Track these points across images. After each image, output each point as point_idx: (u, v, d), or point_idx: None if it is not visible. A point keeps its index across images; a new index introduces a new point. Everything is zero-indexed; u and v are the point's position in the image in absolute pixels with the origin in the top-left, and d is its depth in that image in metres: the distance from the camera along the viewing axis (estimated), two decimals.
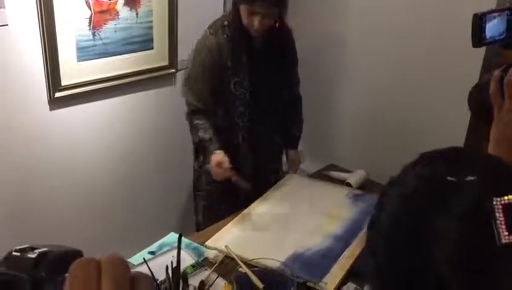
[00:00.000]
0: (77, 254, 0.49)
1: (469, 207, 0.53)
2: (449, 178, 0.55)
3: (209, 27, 2.02)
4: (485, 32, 0.88)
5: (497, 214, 0.51)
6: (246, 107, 2.07)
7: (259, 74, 2.06)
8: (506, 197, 0.52)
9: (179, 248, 1.43)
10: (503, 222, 0.51)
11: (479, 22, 0.88)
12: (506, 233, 0.51)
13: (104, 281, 0.39)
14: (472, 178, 0.54)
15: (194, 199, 2.32)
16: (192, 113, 2.05)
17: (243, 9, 1.89)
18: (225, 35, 1.98)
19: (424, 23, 2.39)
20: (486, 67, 2.20)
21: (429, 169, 0.59)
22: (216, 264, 1.62)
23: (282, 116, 2.24)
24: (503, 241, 0.51)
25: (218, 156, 1.91)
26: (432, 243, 0.54)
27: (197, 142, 2.06)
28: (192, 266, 1.63)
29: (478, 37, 0.89)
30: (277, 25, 2.01)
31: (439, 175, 0.57)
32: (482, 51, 2.13)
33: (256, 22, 1.88)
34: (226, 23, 1.99)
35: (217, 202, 2.18)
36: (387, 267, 0.59)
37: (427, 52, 2.41)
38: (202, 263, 1.64)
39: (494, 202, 0.52)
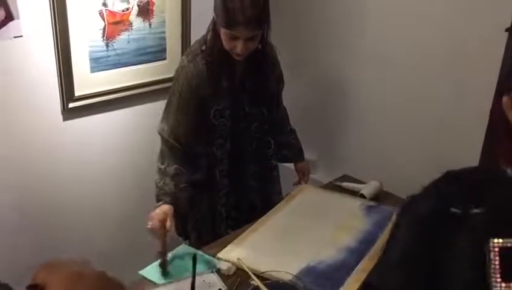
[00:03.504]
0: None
1: (469, 246, 0.47)
2: (453, 210, 0.49)
3: (187, 54, 1.90)
4: None
5: (493, 258, 0.45)
6: (225, 138, 1.94)
7: (242, 100, 1.94)
8: (506, 240, 0.45)
9: (193, 271, 1.37)
10: (497, 267, 0.44)
11: None
12: (499, 280, 0.44)
13: None
14: (478, 211, 0.48)
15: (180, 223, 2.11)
16: (162, 148, 1.93)
17: (224, 33, 1.74)
18: (204, 61, 1.83)
19: (440, 36, 2.37)
20: (502, 79, 2.17)
21: (440, 195, 0.54)
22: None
23: (274, 138, 2.11)
24: (495, 289, 0.44)
25: (166, 208, 1.77)
26: (442, 281, 0.49)
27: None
28: None
29: None
30: (259, 46, 1.85)
31: (447, 204, 0.51)
32: (498, 63, 2.12)
33: (239, 46, 1.73)
34: (204, 48, 1.85)
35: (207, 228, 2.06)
36: None
37: (445, 64, 2.38)
38: None
39: (491, 243, 0.45)
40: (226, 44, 1.77)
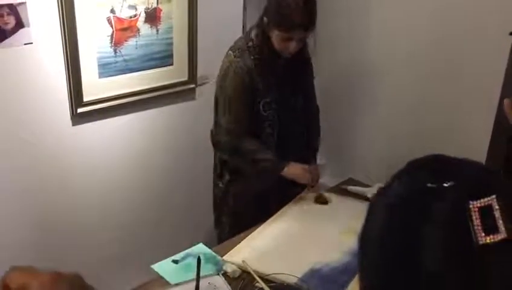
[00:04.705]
0: None
1: (449, 212, 0.54)
2: (429, 185, 0.56)
3: (233, 50, 1.98)
4: None
5: (474, 217, 0.52)
6: (273, 128, 2.04)
7: (286, 94, 2.05)
8: (481, 200, 0.52)
9: (198, 273, 1.39)
10: (479, 224, 0.52)
11: None
12: (483, 234, 0.51)
13: None
14: (451, 183, 0.55)
15: (215, 215, 2.26)
16: (238, 140, 1.99)
17: (279, 35, 1.87)
18: (252, 57, 1.94)
19: (446, 39, 2.38)
20: (508, 82, 2.18)
21: (411, 177, 0.60)
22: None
23: (306, 131, 2.22)
24: (480, 242, 0.51)
25: (299, 166, 2.02)
26: (420, 252, 0.54)
27: (250, 161, 2.01)
28: None
29: None
30: None
31: (421, 183, 0.57)
32: (503, 66, 2.12)
33: (292, 46, 1.87)
34: (250, 44, 1.96)
35: (242, 219, 2.10)
36: (376, 278, 0.59)
37: (451, 67, 2.39)
38: None
39: (471, 205, 0.52)
40: (279, 44, 1.89)
